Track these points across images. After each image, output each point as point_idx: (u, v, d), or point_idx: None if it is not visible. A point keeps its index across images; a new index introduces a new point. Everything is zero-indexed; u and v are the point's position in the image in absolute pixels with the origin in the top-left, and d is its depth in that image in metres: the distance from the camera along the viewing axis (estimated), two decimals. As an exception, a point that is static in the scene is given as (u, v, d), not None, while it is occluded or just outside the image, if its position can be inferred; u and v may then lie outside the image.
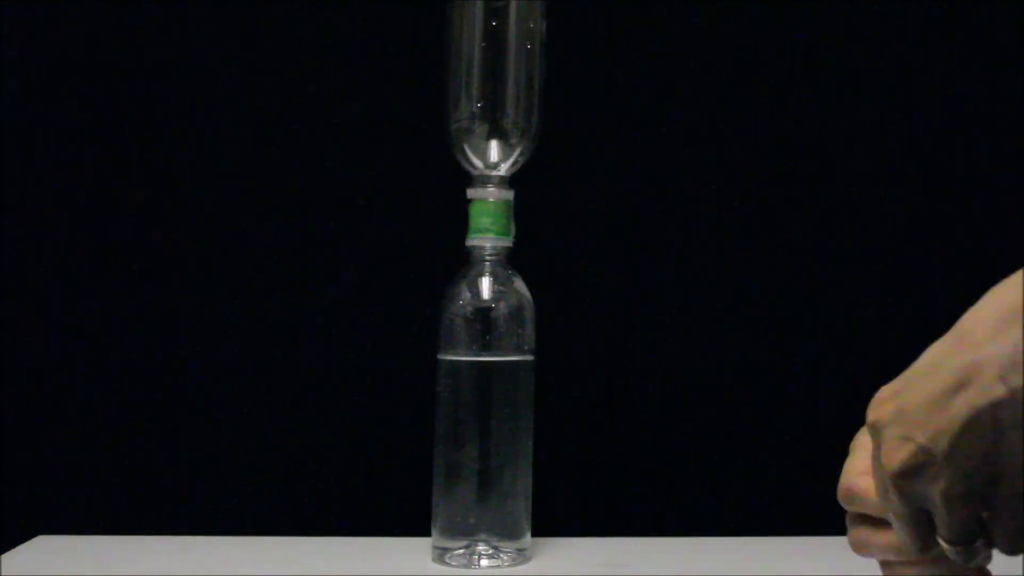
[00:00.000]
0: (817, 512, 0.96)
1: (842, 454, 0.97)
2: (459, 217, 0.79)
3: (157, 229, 0.94)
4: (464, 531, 0.77)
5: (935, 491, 0.47)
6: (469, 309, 0.78)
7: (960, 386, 0.45)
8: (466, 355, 0.78)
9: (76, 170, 0.94)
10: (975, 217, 0.98)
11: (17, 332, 0.93)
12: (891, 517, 0.52)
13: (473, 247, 0.79)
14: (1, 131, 0.93)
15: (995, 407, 0.44)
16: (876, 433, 0.51)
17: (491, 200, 0.78)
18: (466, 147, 0.78)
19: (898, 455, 0.48)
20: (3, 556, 0.79)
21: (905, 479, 0.48)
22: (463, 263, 0.80)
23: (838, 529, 0.91)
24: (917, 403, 0.47)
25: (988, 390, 0.44)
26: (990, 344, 0.44)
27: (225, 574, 0.76)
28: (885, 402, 0.51)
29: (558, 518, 0.87)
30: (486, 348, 0.77)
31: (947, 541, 0.50)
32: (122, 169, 0.94)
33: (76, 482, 0.93)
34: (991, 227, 0.97)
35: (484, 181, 0.78)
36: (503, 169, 0.78)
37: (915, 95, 0.97)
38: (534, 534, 0.79)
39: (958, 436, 0.45)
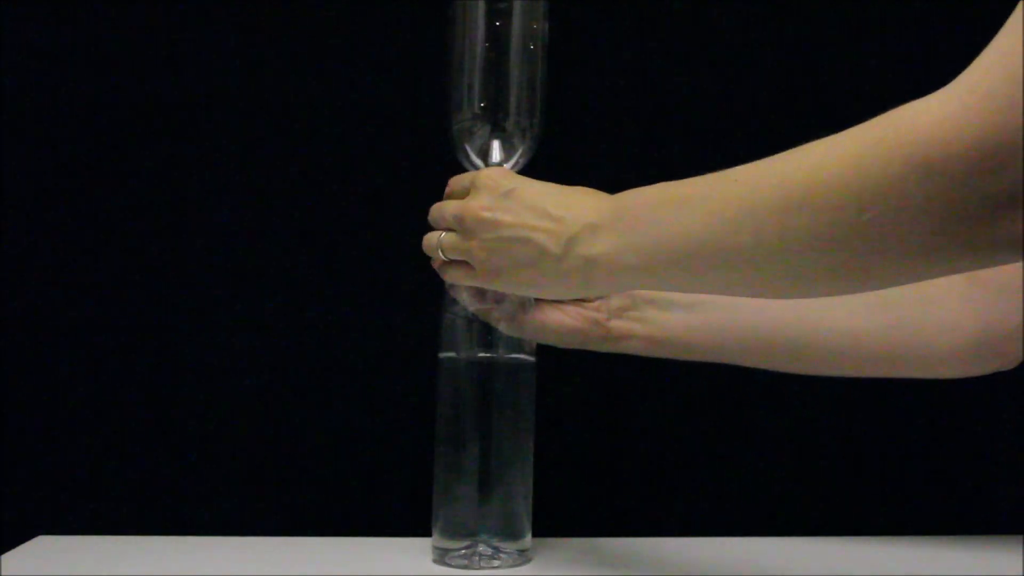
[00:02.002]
0: (817, 512, 0.97)
1: (842, 455, 0.98)
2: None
3: (157, 229, 0.94)
4: (465, 532, 0.77)
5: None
6: (470, 310, 0.78)
7: None
8: (467, 355, 0.77)
9: (76, 170, 0.94)
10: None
11: (17, 332, 0.93)
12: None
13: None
14: (1, 131, 0.93)
15: None
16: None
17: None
18: (468, 148, 0.78)
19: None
20: (3, 556, 0.79)
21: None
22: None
23: (838, 529, 0.92)
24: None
25: None
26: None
27: (225, 574, 0.76)
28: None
29: (559, 518, 0.87)
30: (487, 348, 0.77)
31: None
32: (122, 169, 0.94)
33: (76, 482, 0.93)
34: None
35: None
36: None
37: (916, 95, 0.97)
38: (535, 534, 0.79)
39: None
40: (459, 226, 0.71)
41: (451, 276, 0.74)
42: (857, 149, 0.49)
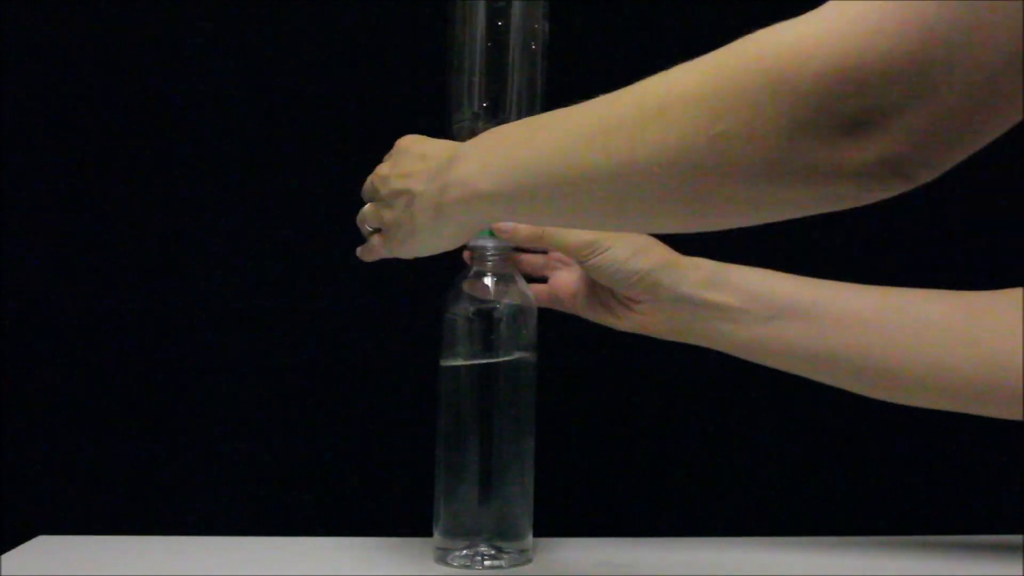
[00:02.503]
0: (817, 512, 0.97)
1: (842, 455, 0.97)
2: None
3: (157, 229, 0.94)
4: (466, 532, 0.77)
5: None
6: (471, 309, 0.78)
7: None
8: (468, 355, 0.77)
9: (76, 170, 0.94)
10: (977, 215, 0.98)
11: (17, 332, 0.93)
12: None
13: (475, 248, 0.79)
14: (1, 131, 0.93)
15: None
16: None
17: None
18: (468, 147, 0.78)
19: None
20: (3, 556, 0.79)
21: None
22: (465, 263, 0.80)
23: (838, 529, 0.92)
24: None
25: None
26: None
27: (225, 574, 0.76)
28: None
29: (560, 519, 0.87)
30: (488, 348, 0.77)
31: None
32: (122, 169, 0.94)
33: (76, 482, 0.93)
34: (993, 225, 0.97)
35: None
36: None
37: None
38: (536, 535, 0.79)
39: None
40: (371, 189, 0.73)
41: (367, 250, 0.76)
42: (716, 63, 0.49)
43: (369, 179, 0.74)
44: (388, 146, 0.95)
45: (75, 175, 0.94)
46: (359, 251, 0.77)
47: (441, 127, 0.77)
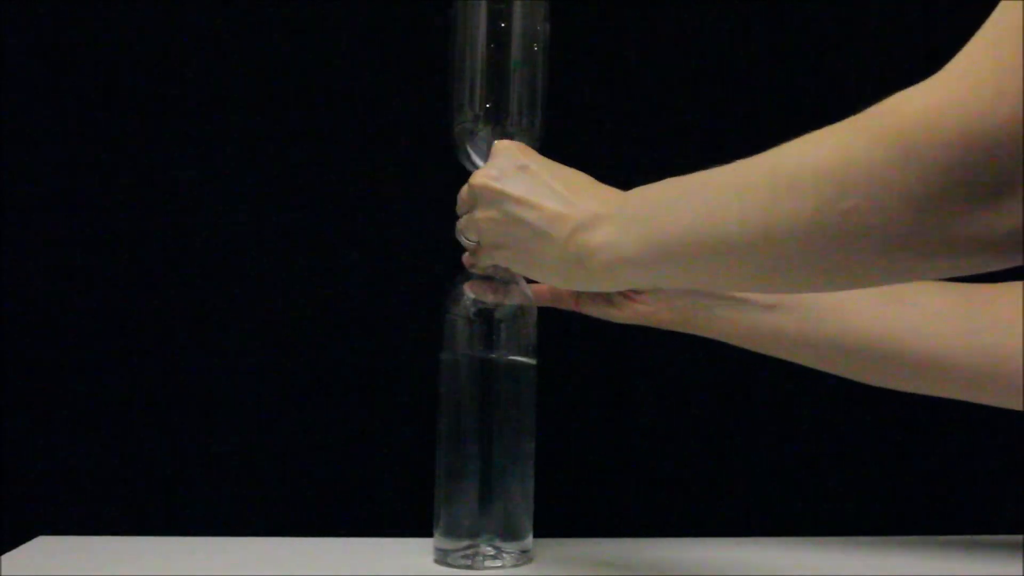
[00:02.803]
0: (817, 512, 0.97)
1: (842, 454, 0.98)
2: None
3: (157, 229, 0.94)
4: (466, 532, 0.77)
5: None
6: (471, 309, 0.78)
7: None
8: (468, 355, 0.77)
9: (76, 170, 0.94)
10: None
11: (17, 332, 0.93)
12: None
13: (476, 247, 0.79)
14: (1, 131, 0.93)
15: None
16: None
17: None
18: (469, 148, 0.78)
19: None
20: (3, 556, 0.79)
21: None
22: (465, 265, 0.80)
23: (838, 529, 0.92)
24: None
25: None
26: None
27: (225, 574, 0.76)
28: None
29: (560, 519, 0.87)
30: (488, 348, 0.77)
31: None
32: (122, 168, 0.94)
33: (76, 482, 0.93)
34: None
35: (486, 181, 0.78)
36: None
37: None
38: (536, 535, 0.79)
39: None
40: (470, 195, 0.72)
41: (470, 261, 0.76)
42: (844, 136, 0.50)
43: (474, 188, 0.72)
44: (388, 146, 0.96)
45: (75, 174, 0.94)
46: (465, 259, 0.78)
47: (443, 129, 0.78)
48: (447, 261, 0.82)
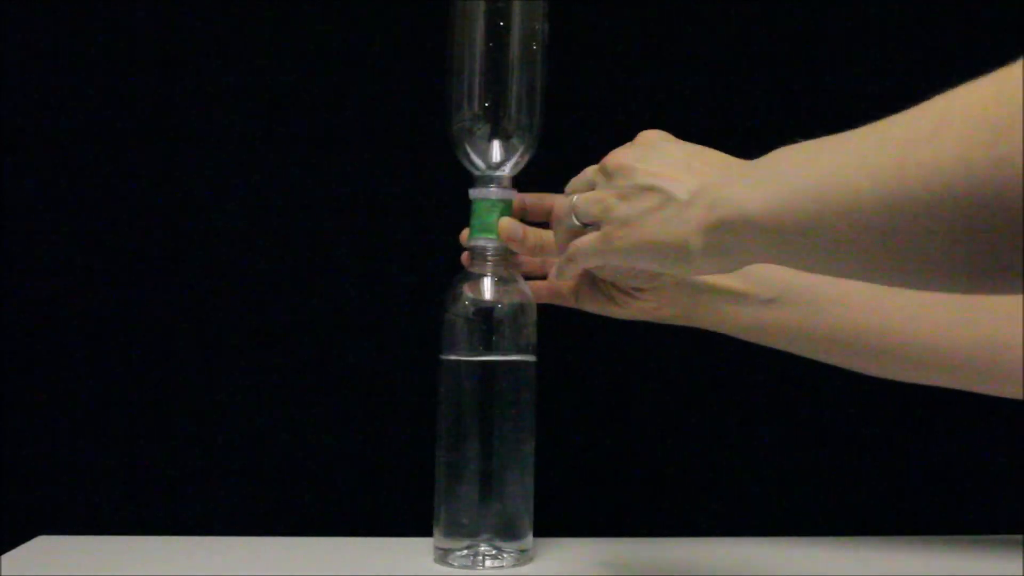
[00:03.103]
0: (817, 512, 0.97)
1: (842, 454, 0.97)
2: (461, 217, 0.79)
3: (157, 229, 0.94)
4: (466, 532, 0.77)
5: None
6: (471, 309, 0.78)
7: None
8: (468, 355, 0.77)
9: (76, 170, 0.94)
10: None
11: (17, 332, 0.93)
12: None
13: (475, 247, 0.79)
14: (1, 131, 0.93)
15: None
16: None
17: (493, 200, 0.78)
18: (468, 148, 0.78)
19: None
20: (3, 556, 0.79)
21: None
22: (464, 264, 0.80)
23: (838, 529, 0.92)
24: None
25: None
26: None
27: (225, 574, 0.75)
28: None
29: (560, 518, 0.87)
30: (488, 348, 0.77)
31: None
32: (122, 169, 0.94)
33: (76, 482, 0.93)
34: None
35: (486, 181, 0.78)
36: (505, 169, 0.78)
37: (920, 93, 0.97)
38: (536, 534, 0.79)
39: None
40: (601, 176, 0.69)
41: (574, 249, 0.69)
42: (1000, 81, 0.44)
43: (595, 168, 0.69)
44: (387, 146, 0.96)
45: (75, 175, 0.94)
46: (560, 264, 0.72)
47: (442, 129, 0.78)
48: (447, 261, 0.82)
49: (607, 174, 0.68)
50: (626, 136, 0.97)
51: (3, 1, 0.93)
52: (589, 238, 0.68)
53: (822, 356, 0.79)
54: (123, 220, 0.94)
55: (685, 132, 0.97)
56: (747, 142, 0.97)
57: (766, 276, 0.77)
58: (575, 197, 0.70)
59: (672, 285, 0.77)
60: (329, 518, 0.93)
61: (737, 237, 0.58)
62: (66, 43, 0.94)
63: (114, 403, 0.93)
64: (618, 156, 0.68)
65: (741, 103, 0.97)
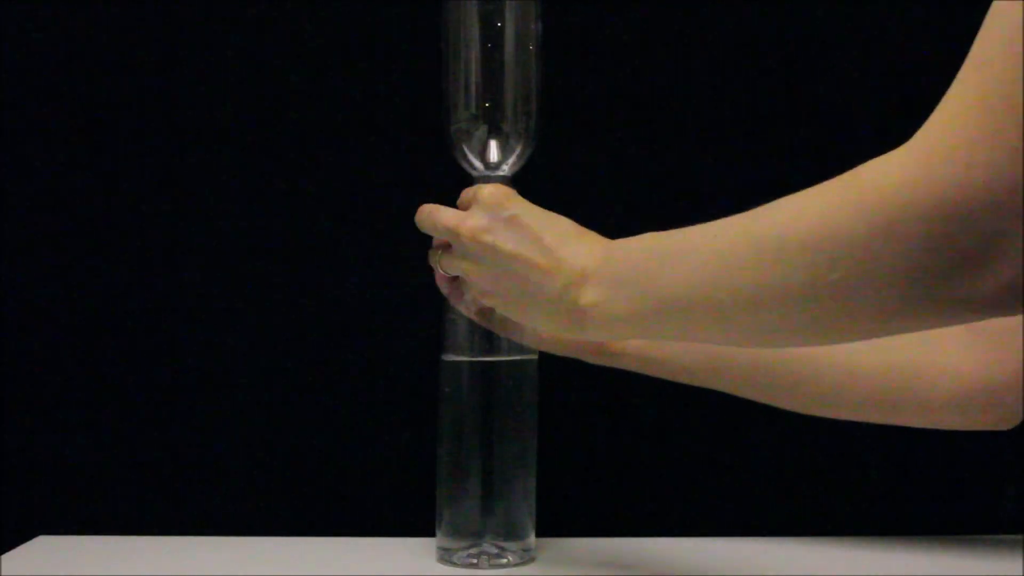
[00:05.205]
0: (817, 512, 0.97)
1: (841, 456, 0.98)
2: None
3: (157, 229, 0.94)
4: (469, 531, 0.77)
5: None
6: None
7: None
8: (469, 355, 0.77)
9: (76, 170, 0.94)
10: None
11: (17, 332, 0.93)
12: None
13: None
14: (1, 131, 0.93)
15: None
16: None
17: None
18: (465, 148, 0.78)
19: None
20: (3, 556, 0.79)
21: None
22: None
23: (838, 529, 0.92)
24: None
25: None
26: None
27: (225, 574, 0.75)
28: None
29: (563, 518, 0.87)
30: (490, 348, 0.77)
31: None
32: (121, 169, 0.94)
33: (76, 482, 0.92)
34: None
35: (484, 182, 0.78)
36: (503, 170, 0.78)
37: (920, 94, 0.97)
38: (539, 534, 0.79)
39: None
40: (455, 241, 0.69)
41: (453, 289, 0.76)
42: (824, 209, 0.50)
43: (444, 220, 0.70)
44: (386, 146, 0.96)
45: (75, 174, 0.94)
46: (463, 307, 0.76)
47: (439, 129, 0.78)
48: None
49: (463, 246, 0.69)
50: (625, 136, 0.98)
51: (3, 1, 0.93)
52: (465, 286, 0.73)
53: (745, 390, 0.80)
54: (123, 220, 0.94)
55: (684, 132, 0.98)
56: (747, 142, 0.98)
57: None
58: (439, 256, 0.73)
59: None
60: (331, 518, 0.93)
61: (606, 329, 0.64)
62: (66, 43, 0.94)
63: (114, 403, 0.93)
64: (471, 228, 0.68)
65: (740, 103, 0.97)
